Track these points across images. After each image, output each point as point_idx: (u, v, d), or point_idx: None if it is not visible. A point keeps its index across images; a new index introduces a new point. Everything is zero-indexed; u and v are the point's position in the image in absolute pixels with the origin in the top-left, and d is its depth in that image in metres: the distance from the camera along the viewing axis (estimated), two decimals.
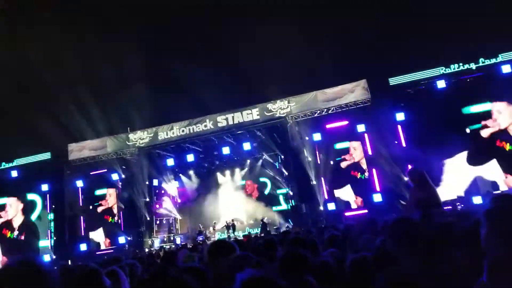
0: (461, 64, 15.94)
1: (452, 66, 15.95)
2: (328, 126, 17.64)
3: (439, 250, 2.97)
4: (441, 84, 15.99)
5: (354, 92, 16.67)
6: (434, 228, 3.17)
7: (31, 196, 20.96)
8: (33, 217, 20.90)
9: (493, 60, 15.61)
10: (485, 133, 15.57)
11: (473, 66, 15.82)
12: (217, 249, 3.27)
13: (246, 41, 18.13)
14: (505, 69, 15.41)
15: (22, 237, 20.66)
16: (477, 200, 14.97)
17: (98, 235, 20.34)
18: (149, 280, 2.91)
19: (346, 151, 17.56)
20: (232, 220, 19.18)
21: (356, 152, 17.55)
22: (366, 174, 17.60)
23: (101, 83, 19.18)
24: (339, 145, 17.52)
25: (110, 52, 20.29)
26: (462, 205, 15.01)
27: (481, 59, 15.76)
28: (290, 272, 2.56)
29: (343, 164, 17.66)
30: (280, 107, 17.48)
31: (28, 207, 20.88)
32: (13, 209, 21.00)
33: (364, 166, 17.57)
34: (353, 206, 17.53)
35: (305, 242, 4.10)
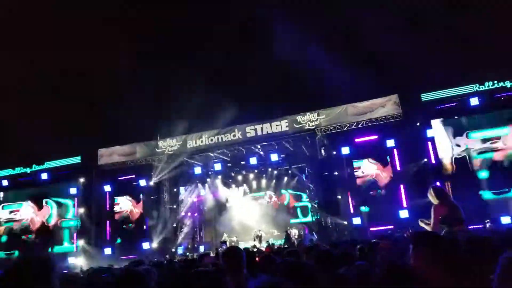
0: (495, 81, 15.80)
1: (486, 83, 15.81)
2: (357, 140, 17.66)
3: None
4: (474, 101, 15.86)
5: (385, 106, 16.64)
6: (465, 242, 3.19)
7: (61, 200, 21.52)
8: (60, 220, 21.40)
9: None
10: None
11: (508, 84, 15.66)
12: (227, 254, 3.53)
13: (277, 51, 18.33)
14: None
15: (37, 240, 21.19)
16: (506, 220, 14.75)
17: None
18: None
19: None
20: (259, 231, 19.20)
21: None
22: (383, 191, 17.60)
23: (131, 89, 19.55)
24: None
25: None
26: (491, 224, 14.80)
27: None
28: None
29: (358, 181, 17.74)
30: (310, 119, 17.55)
31: (59, 210, 21.39)
32: (32, 212, 21.56)
33: (382, 183, 17.57)
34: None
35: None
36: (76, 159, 21.42)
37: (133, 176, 20.43)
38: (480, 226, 14.47)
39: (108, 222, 21.22)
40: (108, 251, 20.10)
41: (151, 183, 19.94)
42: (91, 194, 21.15)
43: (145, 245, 19.81)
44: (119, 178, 20.80)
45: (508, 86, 15.62)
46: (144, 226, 21.09)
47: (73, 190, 21.28)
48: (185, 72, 19.19)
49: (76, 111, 19.78)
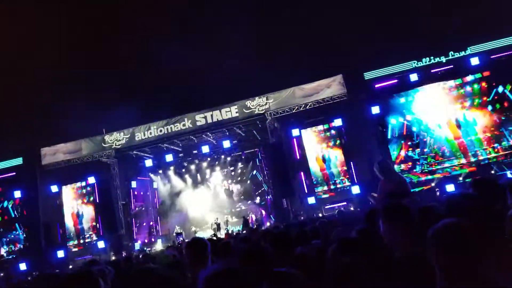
0: (432, 57, 16.51)
1: (424, 59, 16.49)
2: (306, 121, 17.96)
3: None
4: (413, 77, 16.51)
5: (330, 87, 16.97)
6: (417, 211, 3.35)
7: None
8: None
9: (462, 53, 16.26)
10: None
11: (443, 59, 16.42)
12: (192, 246, 3.46)
13: (223, 37, 18.06)
14: (474, 61, 16.09)
15: None
16: (450, 187, 15.60)
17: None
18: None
19: None
20: (217, 219, 19.16)
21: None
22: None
23: (72, 82, 18.57)
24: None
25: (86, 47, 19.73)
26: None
27: (450, 52, 16.39)
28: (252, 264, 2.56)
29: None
30: (259, 104, 17.56)
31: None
32: None
33: None
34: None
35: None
36: (18, 161, 20.16)
37: (81, 174, 19.59)
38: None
39: (57, 224, 20.29)
40: (61, 253, 19.26)
41: (100, 179, 19.23)
42: (37, 196, 20.03)
43: (100, 244, 19.20)
44: (65, 178, 19.85)
45: (444, 61, 16.40)
46: (97, 225, 20.41)
47: (17, 194, 20.09)
48: (131, 61, 18.49)
49: (13, 109, 18.49)
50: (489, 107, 16.08)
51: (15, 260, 19.49)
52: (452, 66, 16.27)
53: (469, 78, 16.16)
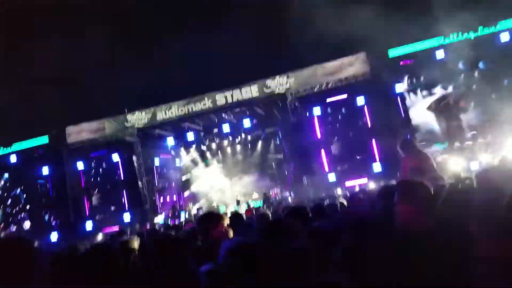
0: (460, 32, 15.84)
1: (451, 35, 15.85)
2: (328, 100, 17.74)
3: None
4: (440, 54, 15.96)
5: (353, 65, 16.59)
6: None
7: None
8: None
9: (492, 29, 15.54)
10: None
11: (471, 35, 15.74)
12: (204, 219, 3.60)
13: (243, 13, 17.64)
14: (504, 37, 15.41)
15: None
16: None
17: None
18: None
19: None
20: (238, 195, 19.59)
21: None
22: None
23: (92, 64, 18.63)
24: None
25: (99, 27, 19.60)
26: None
27: (480, 28, 15.67)
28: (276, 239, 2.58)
29: None
30: (280, 83, 17.36)
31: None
32: None
33: None
34: None
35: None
36: (44, 139, 20.74)
37: (105, 152, 20.08)
38: None
39: (85, 198, 21.10)
40: (89, 225, 20.17)
41: (125, 157, 19.71)
42: (64, 173, 20.75)
43: (126, 217, 19.97)
44: (91, 155, 20.40)
45: (472, 38, 15.73)
46: (123, 200, 21.13)
47: (45, 171, 20.84)
48: (147, 43, 18.36)
49: (38, 90, 18.76)
50: None
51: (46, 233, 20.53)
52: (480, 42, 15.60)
53: None
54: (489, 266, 1.89)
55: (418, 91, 17.44)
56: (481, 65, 16.59)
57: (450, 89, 17.27)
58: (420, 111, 17.57)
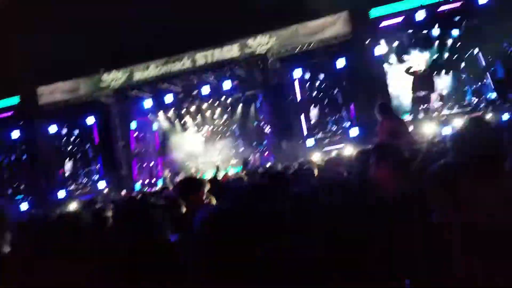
0: None
1: None
2: (309, 61, 17.68)
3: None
4: (419, 15, 16.09)
5: (335, 25, 16.52)
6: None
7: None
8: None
9: None
10: None
11: None
12: (184, 186, 3.46)
13: None
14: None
15: None
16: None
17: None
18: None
19: None
20: (217, 160, 19.34)
21: None
22: None
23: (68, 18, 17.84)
24: None
25: None
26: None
27: None
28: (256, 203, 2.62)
29: None
30: (261, 43, 17.14)
31: None
32: None
33: None
34: None
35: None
36: (14, 100, 19.85)
37: (79, 114, 19.42)
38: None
39: (57, 163, 20.39)
40: (62, 193, 19.52)
41: (100, 119, 19.12)
42: (35, 136, 19.94)
43: (101, 184, 19.44)
44: (64, 117, 19.67)
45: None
46: (98, 165, 20.57)
47: (15, 134, 19.98)
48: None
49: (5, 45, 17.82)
50: None
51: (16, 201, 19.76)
52: (459, 3, 15.86)
53: None
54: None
55: (396, 55, 17.70)
56: (456, 31, 16.99)
57: (426, 54, 17.62)
58: (396, 76, 17.85)
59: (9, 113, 20.00)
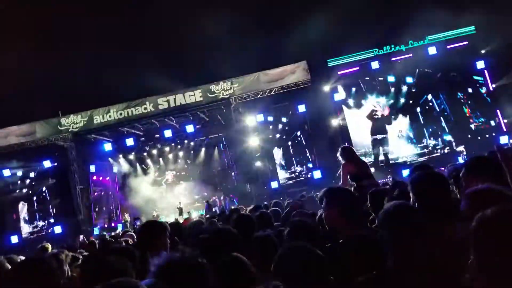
0: (392, 45, 16.92)
1: (384, 47, 16.87)
2: (271, 106, 18.02)
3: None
4: (375, 65, 16.91)
5: (295, 73, 17.03)
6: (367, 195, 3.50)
7: None
8: None
9: (421, 42, 16.79)
10: None
11: (403, 47, 16.89)
12: (146, 230, 3.37)
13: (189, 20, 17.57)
14: (431, 50, 16.69)
15: None
16: (406, 172, 16.36)
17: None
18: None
19: None
20: (179, 203, 19.02)
21: None
22: None
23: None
24: None
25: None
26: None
27: (410, 41, 16.88)
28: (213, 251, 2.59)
29: None
30: (224, 89, 17.34)
31: None
32: None
33: None
34: None
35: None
36: None
37: (35, 158, 18.71)
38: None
39: (11, 209, 19.45)
40: (14, 239, 18.51)
41: (56, 164, 18.50)
42: None
43: (57, 229, 18.60)
44: (19, 161, 18.88)
45: (404, 49, 16.88)
46: (53, 210, 19.76)
47: None
48: (86, 42, 17.58)
49: None
50: None
51: None
52: (411, 54, 16.81)
53: None
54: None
55: (354, 100, 18.37)
56: (409, 79, 17.93)
57: (383, 100, 18.39)
58: (355, 120, 18.47)
59: None
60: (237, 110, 17.67)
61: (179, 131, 18.59)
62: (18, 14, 17.84)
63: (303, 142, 18.79)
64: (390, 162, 17.99)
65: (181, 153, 20.55)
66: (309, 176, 18.53)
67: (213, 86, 17.37)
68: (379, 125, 18.34)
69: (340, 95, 17.74)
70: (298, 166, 18.97)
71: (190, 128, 18.12)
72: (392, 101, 18.32)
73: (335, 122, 18.02)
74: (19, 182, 19.72)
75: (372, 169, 14.32)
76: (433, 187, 2.31)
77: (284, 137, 18.84)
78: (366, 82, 17.91)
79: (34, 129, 18.26)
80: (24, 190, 20.00)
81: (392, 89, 18.12)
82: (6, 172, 18.78)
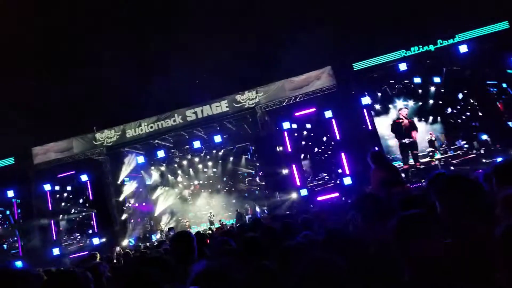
0: (420, 46, 16.43)
1: (412, 48, 16.41)
2: (296, 114, 17.92)
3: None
4: (402, 66, 16.45)
5: (320, 79, 16.91)
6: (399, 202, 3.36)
7: None
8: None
9: (451, 41, 16.19)
10: None
11: (431, 47, 16.35)
12: (179, 239, 3.47)
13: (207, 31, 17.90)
14: (462, 49, 16.04)
15: None
16: None
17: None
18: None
19: None
20: (211, 213, 19.26)
21: None
22: None
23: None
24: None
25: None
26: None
27: (439, 41, 16.32)
28: (248, 258, 2.59)
29: None
30: (249, 98, 17.50)
31: None
32: None
33: None
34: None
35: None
36: (9, 161, 20.12)
37: (73, 172, 19.57)
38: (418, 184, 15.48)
39: (52, 221, 20.36)
40: (56, 251, 19.36)
41: (93, 176, 19.25)
42: (30, 195, 20.05)
43: (95, 241, 19.28)
44: (58, 176, 19.83)
45: (433, 49, 16.33)
46: (92, 222, 20.49)
47: (10, 193, 20.11)
48: (114, 60, 18.31)
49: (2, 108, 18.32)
50: None
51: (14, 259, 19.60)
52: (440, 54, 16.24)
53: None
54: None
55: (382, 103, 17.92)
56: (437, 79, 17.28)
57: (410, 102, 17.83)
58: (383, 124, 18.00)
59: (5, 173, 20.22)
60: (263, 119, 17.73)
61: (207, 141, 18.89)
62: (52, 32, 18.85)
63: (330, 147, 18.51)
64: (421, 166, 17.38)
65: (210, 163, 20.83)
66: (338, 182, 18.21)
67: (238, 96, 17.57)
68: (405, 131, 17.75)
69: (367, 99, 17.38)
70: (327, 172, 18.69)
71: (217, 138, 18.36)
72: (420, 103, 17.71)
73: (363, 126, 17.66)
74: (57, 195, 20.68)
75: (402, 174, 14.00)
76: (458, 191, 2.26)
77: (311, 143, 18.65)
78: (391, 85, 17.44)
79: (71, 145, 19.17)
80: (63, 204, 20.90)
81: (420, 91, 17.51)
82: (47, 187, 19.80)
